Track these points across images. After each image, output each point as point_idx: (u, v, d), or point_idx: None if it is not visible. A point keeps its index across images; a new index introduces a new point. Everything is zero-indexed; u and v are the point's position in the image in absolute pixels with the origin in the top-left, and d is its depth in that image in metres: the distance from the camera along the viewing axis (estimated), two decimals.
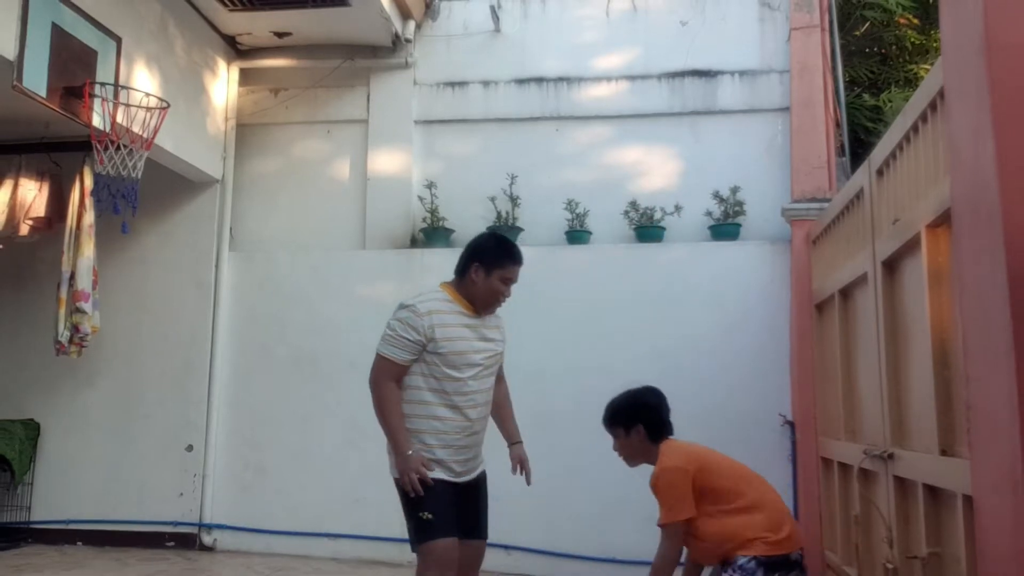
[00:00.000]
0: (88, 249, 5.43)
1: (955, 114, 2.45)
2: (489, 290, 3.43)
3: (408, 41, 6.45)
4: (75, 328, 5.40)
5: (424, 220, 6.23)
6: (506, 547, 5.64)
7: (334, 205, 6.49)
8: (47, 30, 4.32)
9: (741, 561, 2.94)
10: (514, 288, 5.82)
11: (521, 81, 6.43)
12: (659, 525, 3.16)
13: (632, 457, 3.40)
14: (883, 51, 9.56)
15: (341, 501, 5.88)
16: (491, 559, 5.65)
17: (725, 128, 6.16)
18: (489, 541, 5.42)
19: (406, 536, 3.46)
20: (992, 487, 2.20)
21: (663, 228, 5.94)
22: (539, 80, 6.41)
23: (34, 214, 5.77)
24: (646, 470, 3.35)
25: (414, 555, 3.35)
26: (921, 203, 3.15)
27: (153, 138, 4.91)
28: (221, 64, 6.40)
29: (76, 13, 4.54)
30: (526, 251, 5.96)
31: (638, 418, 3.34)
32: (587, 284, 5.87)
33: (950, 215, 2.68)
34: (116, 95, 4.75)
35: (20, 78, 4.15)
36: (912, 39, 9.41)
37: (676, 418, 5.48)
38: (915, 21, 9.35)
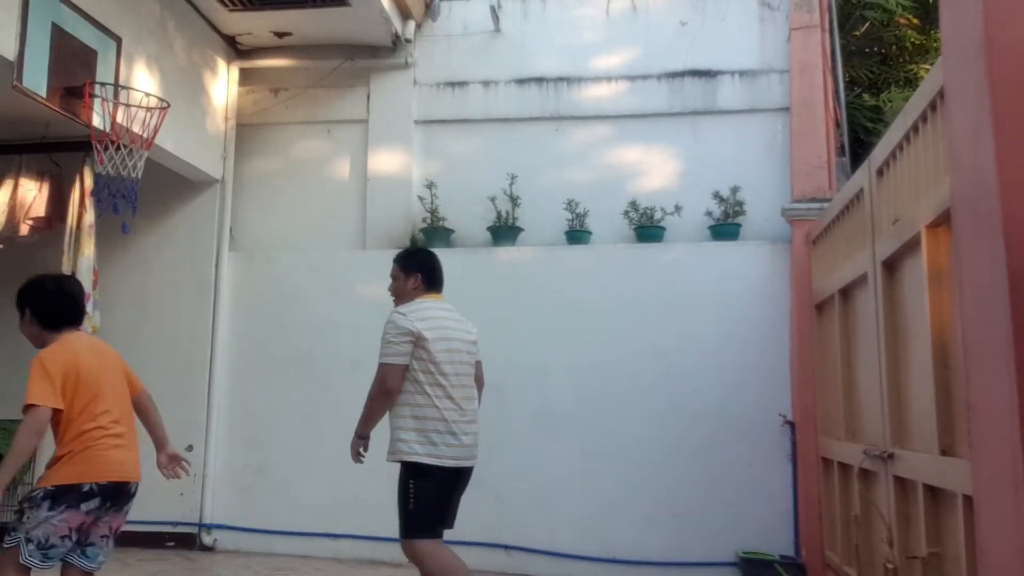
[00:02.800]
0: (88, 249, 5.41)
1: (955, 114, 2.45)
2: None
3: (408, 41, 6.45)
4: None
5: (424, 220, 6.23)
6: (506, 547, 5.65)
7: (334, 205, 6.49)
8: (47, 30, 4.32)
9: (34, 494, 3.02)
10: (514, 288, 5.94)
11: (521, 81, 6.44)
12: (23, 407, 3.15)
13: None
14: (883, 51, 9.57)
15: (341, 501, 5.87)
16: (491, 559, 5.69)
17: (725, 128, 6.16)
18: (489, 541, 5.58)
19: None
20: (992, 487, 2.20)
21: (663, 228, 5.94)
22: (539, 80, 6.42)
23: (34, 214, 5.75)
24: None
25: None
26: (921, 203, 3.15)
27: (153, 138, 4.90)
28: (221, 64, 6.40)
29: (76, 13, 4.54)
30: (526, 251, 6.13)
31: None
32: (587, 284, 5.87)
33: (950, 215, 2.69)
34: (116, 95, 4.75)
35: (20, 78, 4.15)
36: (912, 39, 9.41)
37: (676, 417, 5.57)
38: (915, 21, 9.36)
